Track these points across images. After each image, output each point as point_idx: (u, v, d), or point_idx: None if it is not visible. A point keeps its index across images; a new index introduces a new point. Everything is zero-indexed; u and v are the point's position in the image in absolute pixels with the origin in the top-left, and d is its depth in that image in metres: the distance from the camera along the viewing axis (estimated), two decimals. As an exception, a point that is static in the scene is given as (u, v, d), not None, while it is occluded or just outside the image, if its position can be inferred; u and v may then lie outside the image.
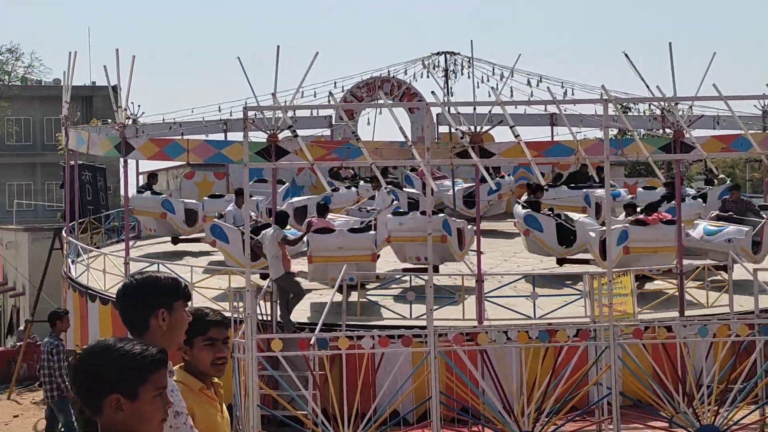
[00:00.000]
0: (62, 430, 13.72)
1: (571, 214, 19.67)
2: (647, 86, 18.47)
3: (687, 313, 15.73)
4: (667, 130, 20.57)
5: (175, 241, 22.49)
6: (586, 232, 18.83)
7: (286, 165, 19.06)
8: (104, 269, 19.06)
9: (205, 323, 4.72)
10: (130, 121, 21.77)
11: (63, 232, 23.16)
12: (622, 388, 13.15)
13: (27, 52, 66.41)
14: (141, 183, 25.33)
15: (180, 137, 24.36)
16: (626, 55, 18.30)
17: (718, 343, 13.47)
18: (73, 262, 21.03)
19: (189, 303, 4.43)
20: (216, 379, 4.79)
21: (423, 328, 13.39)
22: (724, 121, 24.88)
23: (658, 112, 25.28)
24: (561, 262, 19.25)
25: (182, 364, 4.77)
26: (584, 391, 13.45)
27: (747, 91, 49.86)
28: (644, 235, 17.57)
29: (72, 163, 22.91)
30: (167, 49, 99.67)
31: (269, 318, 15.65)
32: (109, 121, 27.44)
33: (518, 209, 20.15)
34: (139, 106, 24.17)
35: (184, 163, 24.95)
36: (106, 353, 3.45)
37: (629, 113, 27.63)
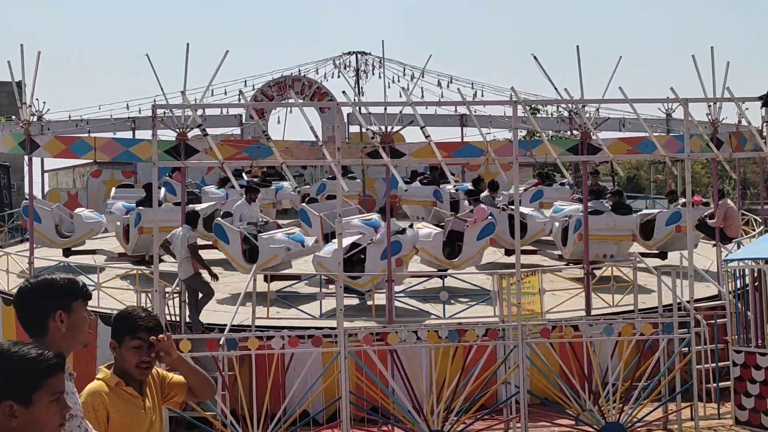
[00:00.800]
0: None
1: (522, 209, 19.94)
2: (555, 88, 18.74)
3: (593, 312, 15.96)
4: (575, 132, 20.91)
5: (67, 253, 21.74)
6: (535, 224, 19.87)
7: (195, 164, 18.87)
8: (7, 269, 18.74)
9: (136, 326, 4.77)
10: (35, 118, 21.40)
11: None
12: (530, 386, 13.29)
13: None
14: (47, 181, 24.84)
15: (87, 135, 24.06)
16: (535, 57, 18.49)
17: (623, 342, 13.67)
18: (-26, 261, 20.57)
19: (88, 302, 4.38)
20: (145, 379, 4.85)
21: (333, 328, 13.39)
22: (630, 123, 25.38)
23: (566, 114, 25.61)
24: (510, 253, 19.66)
25: (111, 363, 4.77)
26: (493, 390, 13.54)
27: (652, 94, 50.86)
28: (597, 224, 18.04)
29: (-26, 160, 22.45)
30: (74, 44, 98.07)
31: (178, 318, 15.50)
32: (13, 117, 26.92)
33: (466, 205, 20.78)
34: (44, 102, 23.91)
35: (91, 161, 24.58)
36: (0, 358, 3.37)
37: (538, 115, 28.02)
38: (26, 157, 20.01)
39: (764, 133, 16.49)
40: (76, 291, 4.32)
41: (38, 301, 4.24)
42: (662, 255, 19.75)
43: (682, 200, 20.40)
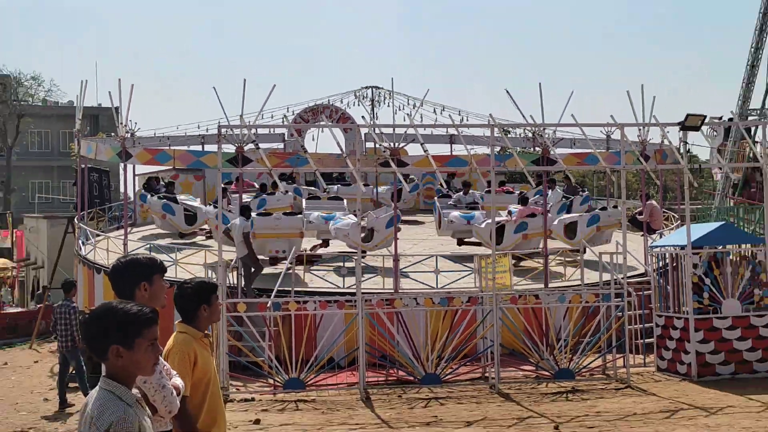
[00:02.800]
0: (73, 372, 13.44)
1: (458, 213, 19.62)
2: (522, 115, 18.62)
3: (550, 285, 15.95)
4: (537, 148, 20.87)
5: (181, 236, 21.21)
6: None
7: (250, 170, 18.88)
8: (107, 248, 18.78)
9: (208, 297, 4.77)
10: (129, 135, 21.37)
11: (75, 219, 22.70)
12: (501, 340, 13.29)
13: (47, 79, 65.15)
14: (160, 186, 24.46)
15: (167, 147, 24.02)
16: (507, 91, 18.37)
17: (572, 308, 13.68)
18: (83, 243, 20.62)
19: (164, 274, 4.49)
20: (206, 331, 4.84)
21: (353, 295, 13.40)
22: (579, 142, 25.23)
23: (531, 134, 25.57)
24: (461, 243, 19.42)
25: (180, 320, 4.78)
26: (473, 343, 13.56)
27: (595, 120, 50.71)
28: (534, 224, 17.73)
29: (83, 166, 22.45)
30: (159, 77, 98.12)
31: (235, 286, 15.52)
32: (112, 134, 26.93)
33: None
34: (135, 123, 23.86)
35: (171, 167, 24.59)
36: (109, 313, 3.40)
37: (509, 135, 27.87)
38: (122, 165, 20.04)
39: (681, 151, 16.44)
40: (155, 267, 4.48)
41: (127, 275, 4.39)
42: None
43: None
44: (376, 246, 17.40)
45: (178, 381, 4.33)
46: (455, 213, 19.48)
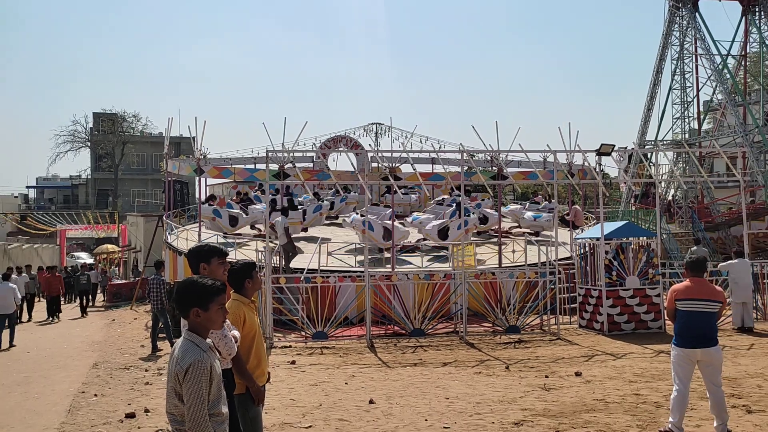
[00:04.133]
0: (161, 327, 13.43)
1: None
2: (483, 143, 18.63)
3: (503, 265, 15.93)
4: (494, 168, 20.82)
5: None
6: (399, 232, 17.22)
7: (288, 182, 18.85)
8: (186, 238, 18.78)
9: (250, 273, 4.74)
10: (202, 156, 21.34)
11: (163, 217, 22.67)
12: (468, 305, 13.29)
13: (144, 117, 65.22)
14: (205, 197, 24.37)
15: (230, 166, 24.01)
16: (473, 127, 18.48)
17: (519, 282, 13.66)
18: (169, 234, 20.60)
19: (224, 257, 4.54)
20: (253, 299, 4.80)
21: (362, 272, 13.39)
22: (524, 163, 25.24)
23: (489, 158, 25.55)
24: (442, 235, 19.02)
25: (234, 291, 4.76)
26: (448, 307, 13.54)
27: (536, 147, 50.68)
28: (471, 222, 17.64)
29: (169, 179, 22.45)
30: (224, 114, 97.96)
31: (278, 265, 15.52)
32: (191, 156, 26.88)
33: (356, 217, 18.27)
34: (207, 148, 23.79)
35: (232, 180, 24.57)
36: (193, 285, 3.41)
37: (474, 158, 27.83)
38: (197, 178, 20.01)
39: (596, 170, 16.40)
40: (212, 252, 4.59)
41: (192, 258, 4.55)
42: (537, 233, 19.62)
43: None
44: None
45: (236, 332, 4.34)
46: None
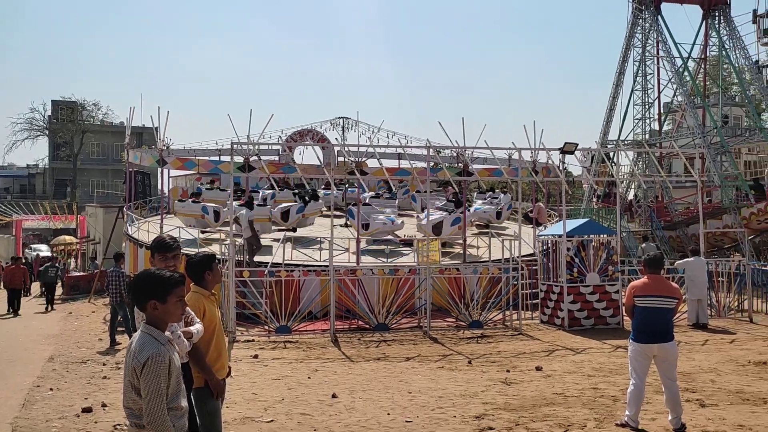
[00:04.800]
0: (120, 320, 13.17)
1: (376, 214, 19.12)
2: (449, 139, 18.83)
3: (467, 261, 16.05)
4: (460, 164, 20.97)
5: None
6: (375, 223, 17.48)
7: (253, 175, 18.66)
8: (147, 230, 18.44)
9: (210, 265, 4.69)
10: (165, 147, 20.96)
11: (124, 208, 22.22)
12: (432, 300, 13.35)
13: (104, 105, 63.75)
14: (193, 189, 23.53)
15: (194, 158, 23.65)
16: (440, 123, 18.68)
17: (483, 277, 13.78)
18: (129, 225, 20.20)
19: (167, 252, 4.55)
20: (214, 291, 4.74)
21: (327, 266, 13.35)
22: (489, 160, 25.47)
23: (455, 154, 25.70)
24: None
25: (194, 283, 4.68)
26: (412, 302, 13.59)
27: (501, 144, 51.11)
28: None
29: (130, 170, 22.00)
30: (188, 104, 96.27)
31: (242, 259, 15.35)
32: (153, 147, 26.37)
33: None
34: (170, 138, 23.36)
35: (196, 172, 24.21)
36: (150, 277, 3.35)
37: (440, 153, 27.96)
38: (159, 169, 19.66)
39: (560, 168, 16.64)
40: (163, 246, 4.63)
41: (155, 249, 4.68)
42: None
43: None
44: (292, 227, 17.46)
45: (193, 328, 4.28)
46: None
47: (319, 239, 16.60)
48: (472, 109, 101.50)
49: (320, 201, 18.74)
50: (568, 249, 13.32)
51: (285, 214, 18.16)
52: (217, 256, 5.00)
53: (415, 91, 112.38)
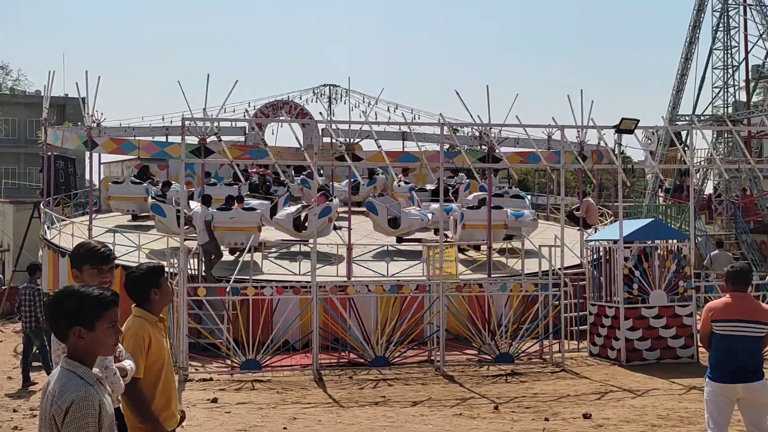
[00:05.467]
0: (36, 352, 13.18)
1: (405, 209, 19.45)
2: (471, 115, 18.77)
3: (493, 274, 16.06)
4: (484, 147, 21.00)
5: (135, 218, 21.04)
6: (408, 218, 18.36)
7: (212, 161, 18.68)
8: (72, 233, 18.44)
9: (157, 281, 4.72)
10: (95, 124, 20.98)
11: (41, 205, 22.25)
12: (447, 326, 13.37)
13: (15, 69, 63.68)
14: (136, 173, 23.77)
15: (133, 138, 23.70)
16: (457, 93, 18.60)
17: (513, 296, 13.81)
18: (48, 227, 20.22)
19: (101, 266, 4.52)
20: (162, 315, 4.77)
21: (308, 282, 13.37)
22: (522, 141, 25.50)
23: (478, 134, 25.72)
24: (400, 240, 18.86)
25: (135, 305, 4.70)
26: (420, 329, 13.60)
27: (538, 121, 51.17)
28: (476, 216, 17.69)
29: (49, 154, 22.01)
30: (125, 69, 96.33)
31: (196, 272, 15.38)
32: (79, 123, 26.43)
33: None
34: (101, 113, 23.45)
35: (136, 157, 24.26)
36: (72, 296, 3.35)
37: (458, 133, 28.02)
38: (87, 153, 19.70)
39: (615, 152, 16.68)
40: (84, 257, 4.53)
41: (74, 258, 4.55)
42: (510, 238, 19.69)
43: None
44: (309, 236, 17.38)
45: (126, 363, 4.29)
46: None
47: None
48: (500, 74, 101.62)
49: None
50: (625, 259, 13.33)
51: (299, 221, 17.64)
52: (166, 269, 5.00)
53: (425, 50, 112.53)
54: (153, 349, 4.54)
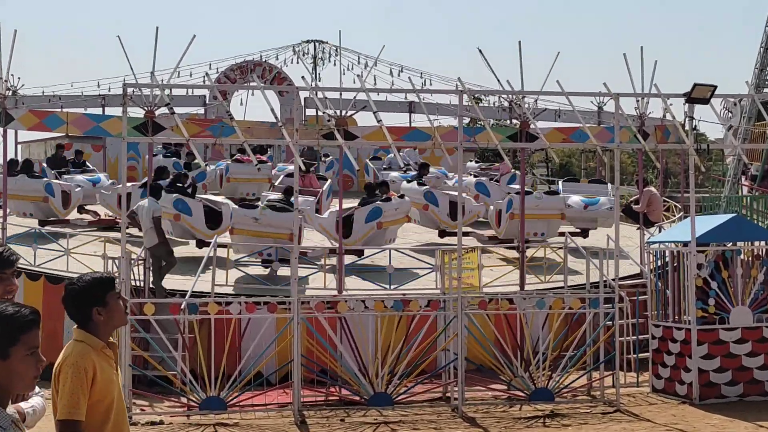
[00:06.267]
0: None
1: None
2: (498, 80, 18.69)
3: (527, 287, 16.04)
4: (515, 121, 20.95)
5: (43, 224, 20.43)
6: (473, 207, 19.66)
7: (162, 140, 18.71)
8: (-20, 233, 18.43)
9: (104, 296, 4.68)
10: (10, 93, 20.95)
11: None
12: (467, 354, 13.37)
13: None
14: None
15: (59, 110, 23.70)
16: (480, 50, 18.44)
17: (553, 315, 13.79)
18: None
19: (5, 269, 4.48)
20: (112, 339, 4.77)
21: (287, 296, 13.36)
22: (565, 114, 25.53)
23: (507, 104, 25.66)
24: (443, 234, 19.61)
25: (78, 326, 4.69)
26: (433, 356, 13.59)
27: (585, 88, 51.20)
28: (529, 204, 17.72)
29: (-52, 131, 22.00)
30: (46, 22, 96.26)
31: (142, 284, 15.38)
32: (-10, 92, 26.40)
33: (415, 187, 20.54)
34: (18, 78, 23.39)
35: (63, 134, 24.26)
36: None
37: (481, 104, 28.07)
38: (0, 129, 19.68)
39: (686, 128, 16.66)
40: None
41: None
42: (584, 233, 19.99)
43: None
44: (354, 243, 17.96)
45: (37, 400, 4.27)
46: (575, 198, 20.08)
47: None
48: (535, 29, 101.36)
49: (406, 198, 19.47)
50: (699, 266, 13.32)
51: (348, 221, 17.67)
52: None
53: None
54: (98, 383, 4.53)
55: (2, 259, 4.51)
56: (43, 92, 26.92)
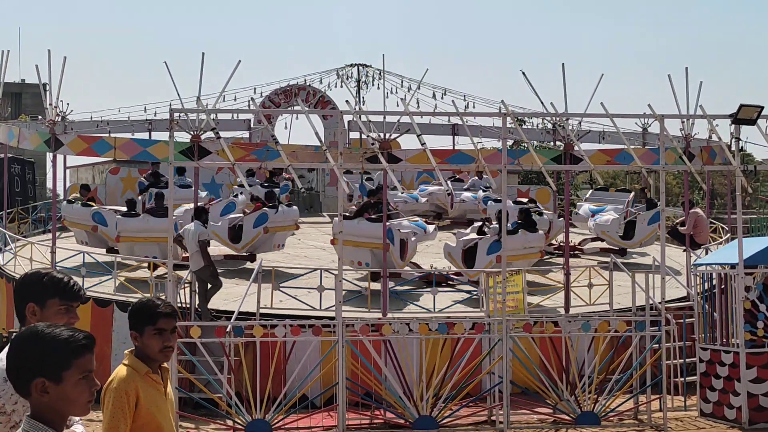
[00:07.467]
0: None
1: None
2: (542, 102, 18.79)
3: (572, 309, 15.95)
4: (558, 143, 20.91)
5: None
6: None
7: (208, 164, 18.82)
8: (31, 257, 18.65)
9: (155, 314, 4.71)
10: (60, 118, 21.25)
11: (-8, 221, 22.60)
12: (512, 377, 13.31)
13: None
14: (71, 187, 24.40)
15: (107, 135, 23.96)
16: (524, 73, 18.53)
17: (599, 338, 13.72)
18: (0, 250, 20.48)
19: (70, 303, 4.45)
20: (164, 363, 4.78)
21: (332, 318, 13.38)
22: (609, 136, 25.32)
23: (551, 126, 25.61)
24: None
25: (133, 348, 4.73)
26: (478, 380, 13.58)
27: (630, 110, 50.91)
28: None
29: (2, 156, 22.35)
30: (95, 49, 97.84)
31: (188, 306, 15.48)
32: (39, 117, 26.84)
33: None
34: (68, 104, 23.74)
35: (111, 159, 24.54)
36: (33, 339, 3.36)
37: (524, 126, 27.95)
38: (50, 155, 19.93)
39: (732, 148, 16.50)
40: (52, 289, 4.39)
41: (19, 293, 4.37)
42: (623, 252, 20.41)
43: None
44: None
45: (78, 428, 4.30)
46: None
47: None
48: (579, 49, 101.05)
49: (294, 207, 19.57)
50: (747, 289, 13.18)
51: (235, 230, 18.78)
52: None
53: (481, 19, 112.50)
54: (142, 408, 4.53)
55: (72, 291, 4.49)
56: (91, 117, 27.17)
